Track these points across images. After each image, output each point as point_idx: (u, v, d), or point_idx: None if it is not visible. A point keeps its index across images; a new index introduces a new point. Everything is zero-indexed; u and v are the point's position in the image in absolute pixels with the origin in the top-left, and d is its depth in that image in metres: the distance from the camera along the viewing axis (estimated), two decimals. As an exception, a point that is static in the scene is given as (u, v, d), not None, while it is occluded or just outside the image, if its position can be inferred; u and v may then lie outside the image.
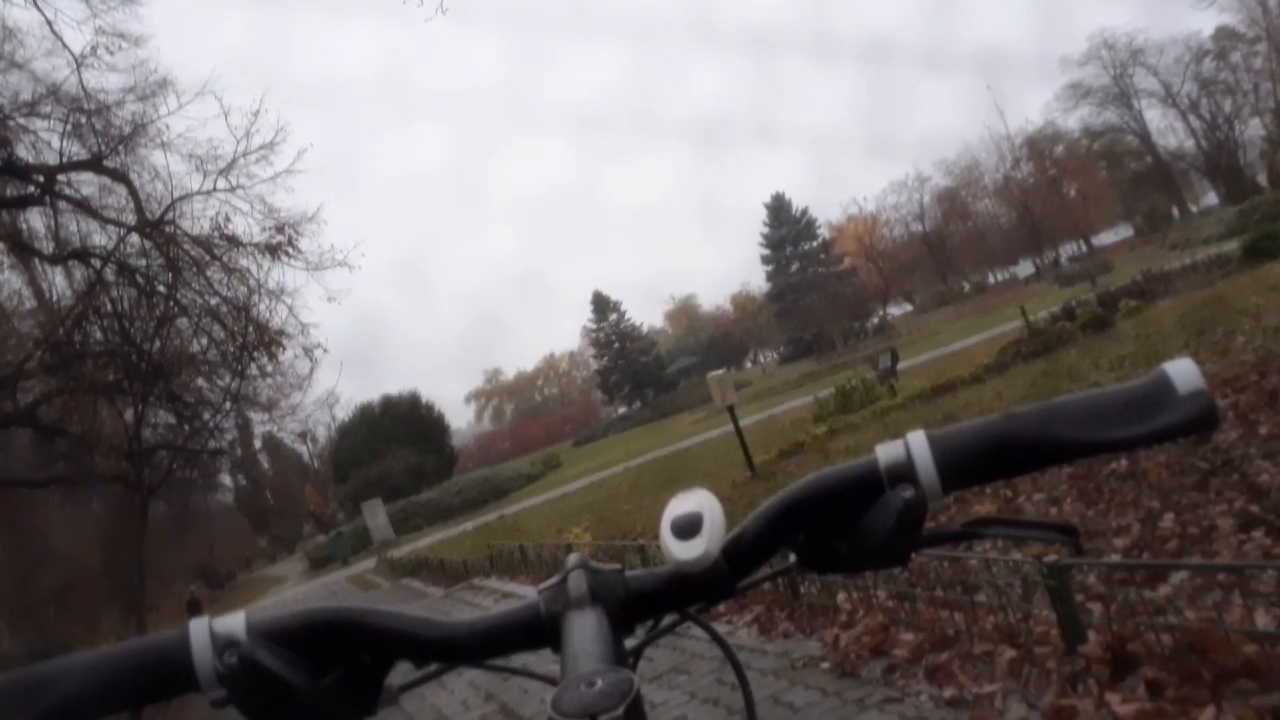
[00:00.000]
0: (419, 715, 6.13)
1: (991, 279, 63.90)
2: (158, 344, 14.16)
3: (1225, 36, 50.63)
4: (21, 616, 15.73)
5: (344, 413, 46.51)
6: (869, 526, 0.66)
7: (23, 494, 14.73)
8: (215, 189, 13.83)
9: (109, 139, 13.60)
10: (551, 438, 69.97)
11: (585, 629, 0.65)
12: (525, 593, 10.48)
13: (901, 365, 21.34)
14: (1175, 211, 58.17)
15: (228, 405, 15.50)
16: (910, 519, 0.65)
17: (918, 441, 0.66)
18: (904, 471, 0.65)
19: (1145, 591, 3.51)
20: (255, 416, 17.56)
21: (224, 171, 13.73)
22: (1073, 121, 58.03)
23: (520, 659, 0.73)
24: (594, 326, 70.31)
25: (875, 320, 61.35)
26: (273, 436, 25.82)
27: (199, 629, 0.67)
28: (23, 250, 14.39)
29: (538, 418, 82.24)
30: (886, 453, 0.67)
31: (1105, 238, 62.51)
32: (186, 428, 15.61)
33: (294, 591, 27.92)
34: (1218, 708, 2.78)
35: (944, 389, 15.08)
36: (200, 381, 15.44)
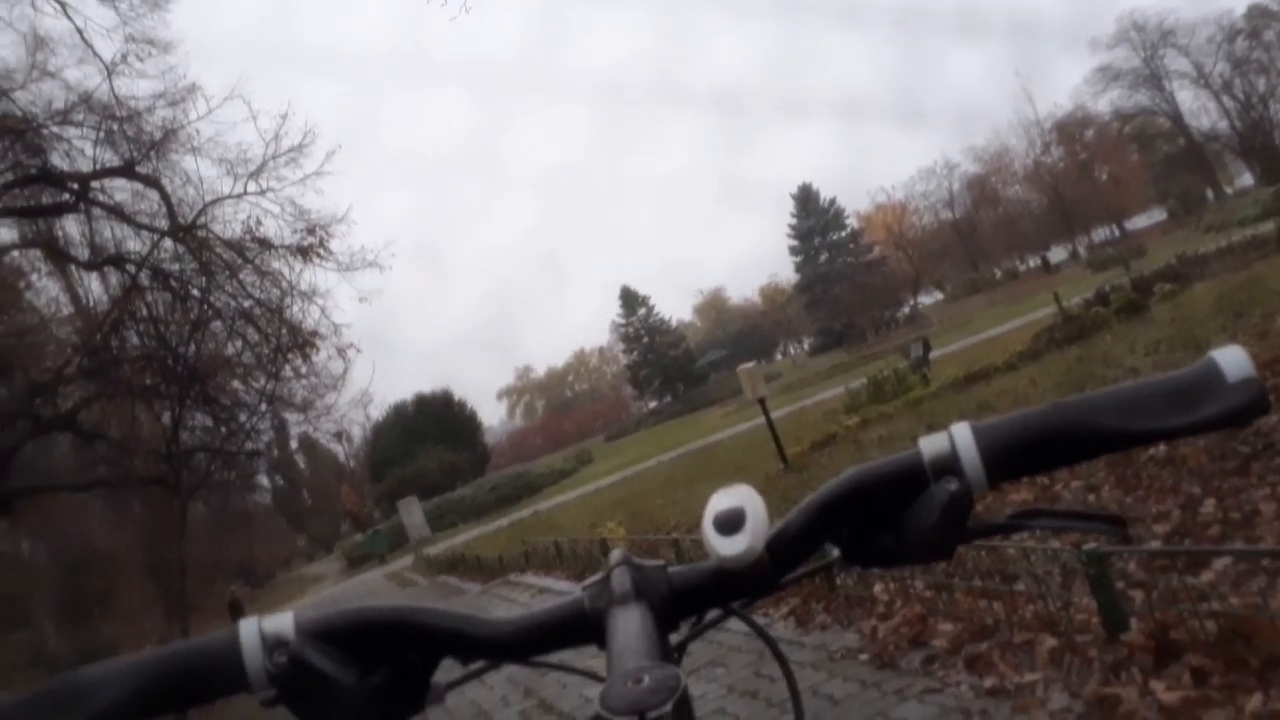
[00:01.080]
0: (459, 711, 6.17)
1: (1022, 265, 63.26)
2: (193, 347, 14.33)
3: (1258, 15, 49.79)
4: (68, 618, 15.99)
5: (378, 412, 46.79)
6: (913, 520, 0.65)
7: (65, 498, 14.97)
8: (246, 192, 13.98)
9: (140, 145, 13.77)
10: (583, 433, 70.13)
11: (630, 625, 0.65)
12: (561, 587, 10.54)
13: (934, 354, 21.19)
14: (1209, 193, 57.27)
15: (263, 407, 15.65)
16: (955, 512, 0.64)
17: (962, 433, 0.65)
18: (948, 464, 0.64)
19: (1187, 578, 3.47)
20: (291, 417, 17.69)
21: (254, 175, 13.87)
22: (1103, 104, 57.35)
23: (564, 656, 0.73)
24: (623, 321, 70.34)
25: (906, 309, 60.94)
26: (308, 437, 25.95)
27: (249, 629, 0.67)
28: (59, 257, 14.61)
29: (569, 413, 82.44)
30: (930, 445, 0.66)
31: (1138, 221, 61.68)
32: (223, 430, 15.78)
33: (333, 590, 28.20)
34: (1265, 695, 2.75)
35: (977, 377, 14.96)
36: (236, 384, 15.60)
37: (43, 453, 15.37)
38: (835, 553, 0.72)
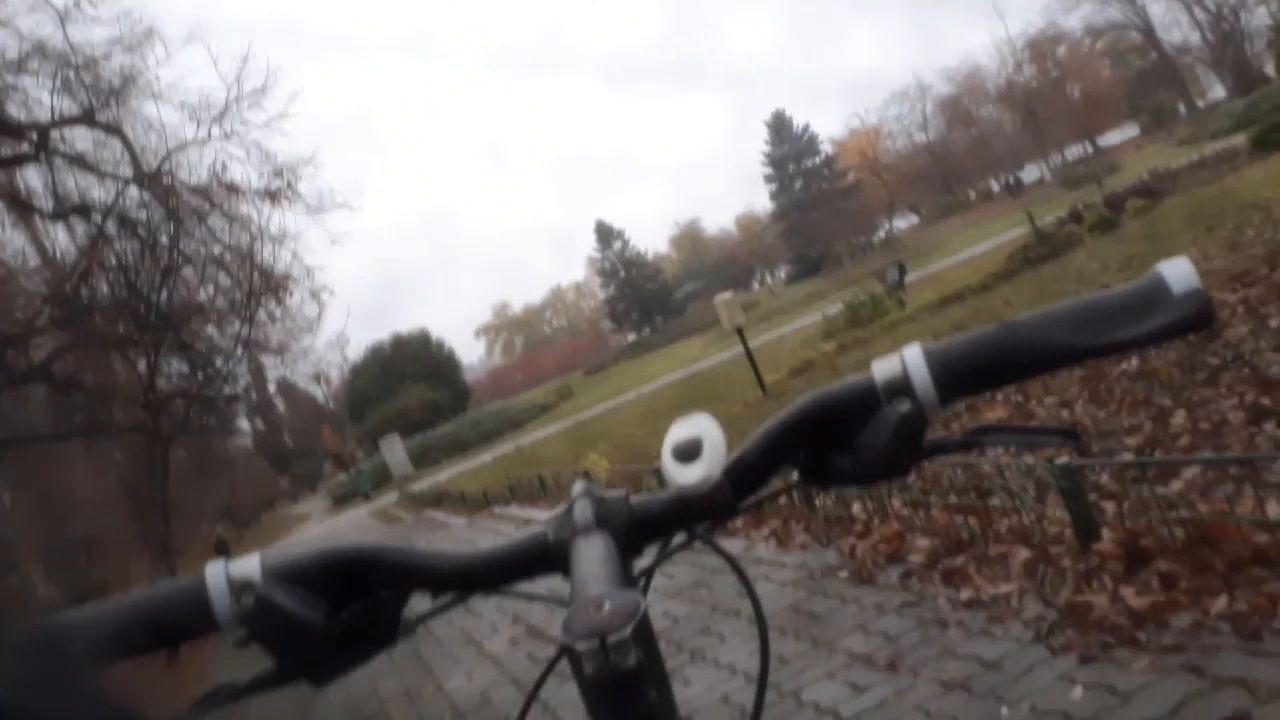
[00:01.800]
0: (448, 640, 6.28)
1: (997, 186, 63.17)
2: (164, 294, 14.16)
3: (1230, -77, 49.17)
4: (55, 565, 16.03)
5: (355, 353, 46.70)
6: (867, 441, 0.66)
7: (46, 448, 14.89)
8: (210, 137, 13.72)
9: (99, 93, 13.44)
10: (562, 368, 70.17)
11: (592, 554, 0.66)
12: (545, 517, 10.56)
13: (910, 277, 21.26)
14: (1182, 107, 57.15)
15: (239, 351, 15.54)
16: (908, 432, 0.65)
17: (913, 355, 0.66)
18: (900, 386, 0.66)
19: (1158, 488, 3.55)
20: (267, 361, 17.61)
21: (217, 119, 13.60)
22: (1075, 20, 56.77)
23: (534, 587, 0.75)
24: (599, 256, 70.06)
25: (882, 234, 60.92)
26: (286, 380, 25.93)
27: (215, 573, 0.68)
28: (22, 208, 14.32)
29: (548, 349, 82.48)
30: (882, 368, 0.67)
31: (1111, 138, 61.51)
32: (200, 375, 15.67)
33: (318, 528, 28.35)
34: (1230, 596, 2.83)
35: (953, 298, 15.04)
36: (210, 329, 15.47)
37: (19, 404, 15.23)
38: (795, 475, 0.73)
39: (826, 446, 0.69)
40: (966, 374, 0.66)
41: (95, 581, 14.94)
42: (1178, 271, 0.61)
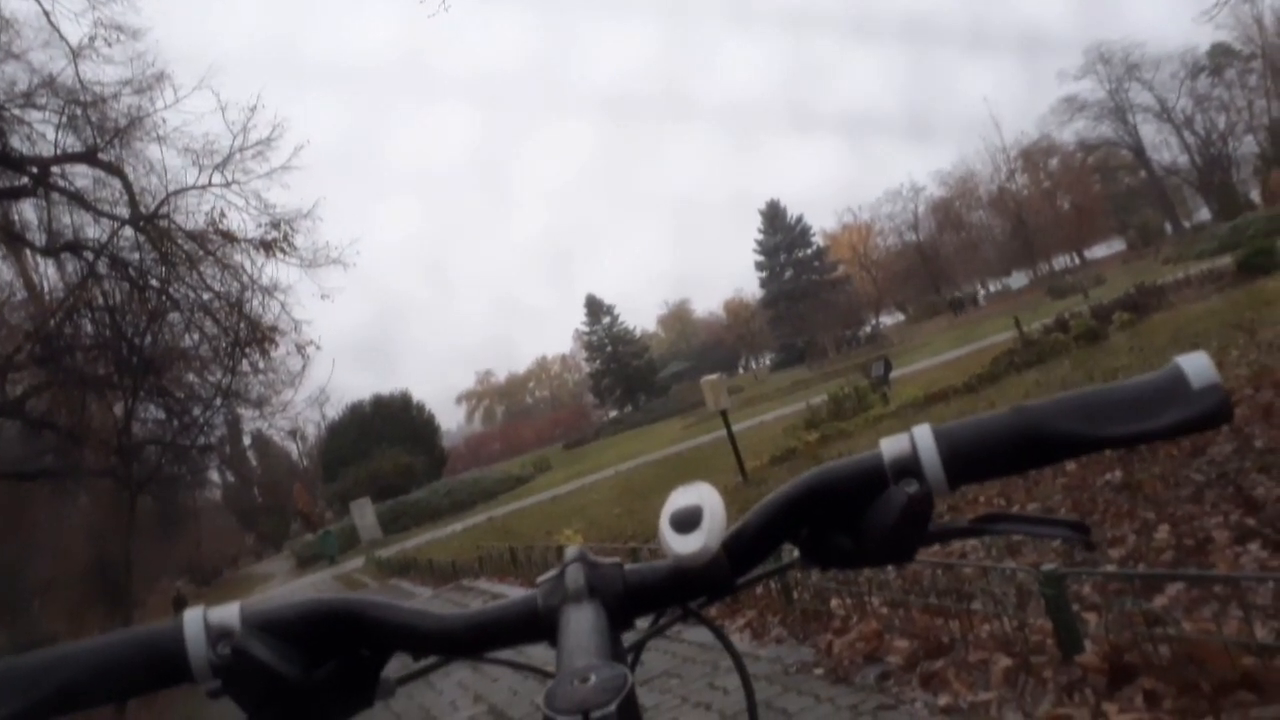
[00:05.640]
0: (407, 714, 6.09)
1: (983, 290, 64.23)
2: (149, 338, 14.09)
3: (1221, 53, 50.98)
4: (5, 609, 15.64)
5: (334, 411, 46.39)
6: (873, 522, 0.64)
7: (10, 486, 14.64)
8: (211, 184, 13.79)
9: (104, 132, 13.54)
10: (542, 440, 70.11)
11: (582, 623, 0.64)
12: (514, 594, 10.40)
13: (894, 373, 21.41)
14: (1168, 226, 58.53)
15: (218, 401, 15.43)
16: (915, 514, 0.63)
17: (923, 435, 0.64)
18: (909, 466, 0.64)
19: (1142, 602, 3.49)
20: (245, 413, 17.46)
21: (220, 166, 13.70)
22: (1068, 135, 58.53)
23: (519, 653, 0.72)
24: (587, 329, 70.54)
25: (867, 329, 61.57)
26: (262, 434, 25.73)
27: (193, 619, 0.66)
28: (14, 241, 14.31)
29: (528, 420, 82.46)
30: (891, 446, 0.65)
31: (1098, 250, 63.01)
32: (176, 423, 15.52)
33: (281, 590, 27.84)
34: (1216, 719, 2.77)
35: (937, 397, 15.12)
36: (191, 377, 15.37)
37: (-12, 440, 15.04)
38: (795, 554, 0.71)
39: (829, 524, 0.67)
40: (977, 458, 0.64)
41: (46, 631, 14.55)
42: (1197, 366, 0.60)
